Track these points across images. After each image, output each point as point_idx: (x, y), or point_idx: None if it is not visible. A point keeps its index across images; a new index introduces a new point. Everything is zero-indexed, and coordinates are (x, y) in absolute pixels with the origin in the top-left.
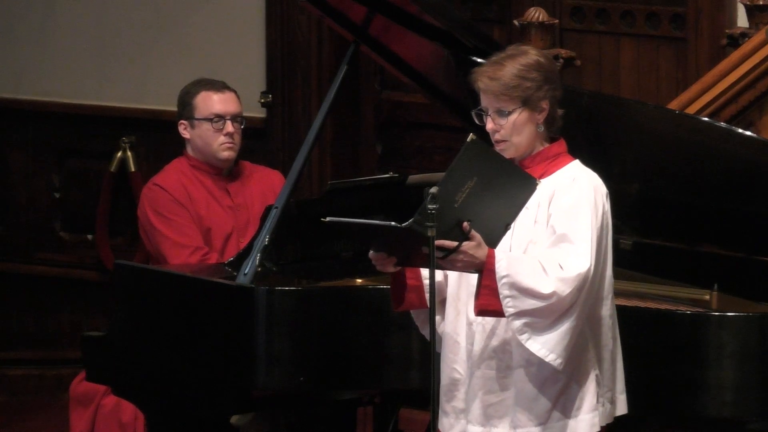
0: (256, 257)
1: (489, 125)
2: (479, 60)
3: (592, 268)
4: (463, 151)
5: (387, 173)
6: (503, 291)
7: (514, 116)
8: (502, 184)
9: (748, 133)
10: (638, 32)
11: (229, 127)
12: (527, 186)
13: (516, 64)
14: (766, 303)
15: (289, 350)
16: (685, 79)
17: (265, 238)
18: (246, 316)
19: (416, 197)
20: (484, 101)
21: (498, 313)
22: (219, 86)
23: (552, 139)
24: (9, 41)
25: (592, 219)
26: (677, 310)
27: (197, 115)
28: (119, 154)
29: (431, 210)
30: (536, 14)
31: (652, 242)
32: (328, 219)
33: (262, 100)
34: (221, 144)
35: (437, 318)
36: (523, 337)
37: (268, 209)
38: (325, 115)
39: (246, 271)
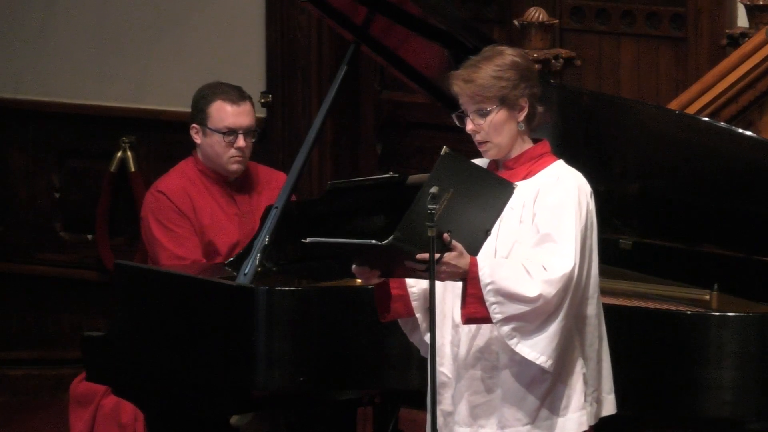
0: (256, 257)
1: (469, 126)
2: None
3: (576, 267)
4: (438, 164)
5: (387, 173)
6: (489, 298)
7: (492, 116)
8: (478, 192)
9: (748, 133)
10: (638, 32)
11: (241, 141)
12: (504, 191)
13: (491, 65)
14: (766, 303)
15: (289, 350)
16: (685, 79)
17: (265, 238)
18: (246, 316)
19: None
20: (462, 104)
21: (485, 319)
22: (235, 96)
23: (535, 140)
24: (9, 41)
25: (576, 218)
26: (677, 310)
27: (210, 125)
28: (119, 154)
29: (431, 210)
30: (536, 14)
31: (652, 242)
32: (308, 240)
33: (262, 100)
34: (231, 157)
35: (422, 324)
36: (512, 342)
37: (268, 209)
38: (325, 115)
39: (246, 271)
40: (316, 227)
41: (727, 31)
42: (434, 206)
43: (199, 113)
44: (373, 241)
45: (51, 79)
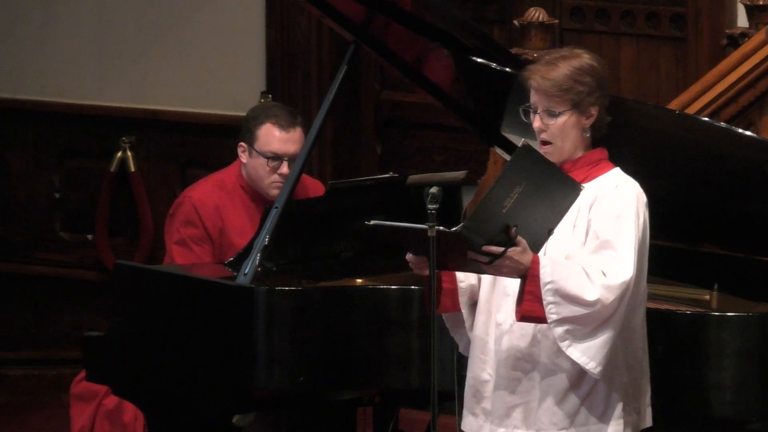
0: (256, 257)
1: (536, 123)
2: (479, 60)
3: (634, 276)
4: (515, 156)
5: (387, 173)
6: (547, 297)
7: (563, 118)
8: (547, 189)
9: (748, 133)
10: (638, 32)
11: (285, 168)
12: (572, 191)
13: (569, 66)
14: (766, 303)
15: (289, 350)
16: (685, 79)
17: (265, 238)
18: (246, 316)
19: (416, 197)
20: (534, 99)
21: (540, 319)
22: (285, 122)
23: (593, 146)
24: (9, 41)
25: (635, 227)
26: (677, 310)
27: (256, 147)
28: (119, 154)
29: (431, 210)
30: (536, 14)
31: (652, 242)
32: (372, 222)
33: (262, 100)
34: (272, 182)
35: (468, 320)
36: (564, 344)
37: (268, 209)
38: (325, 115)
39: (246, 271)
40: (316, 227)
41: (727, 31)
42: (434, 206)
43: (247, 133)
44: (442, 228)
45: (51, 79)
